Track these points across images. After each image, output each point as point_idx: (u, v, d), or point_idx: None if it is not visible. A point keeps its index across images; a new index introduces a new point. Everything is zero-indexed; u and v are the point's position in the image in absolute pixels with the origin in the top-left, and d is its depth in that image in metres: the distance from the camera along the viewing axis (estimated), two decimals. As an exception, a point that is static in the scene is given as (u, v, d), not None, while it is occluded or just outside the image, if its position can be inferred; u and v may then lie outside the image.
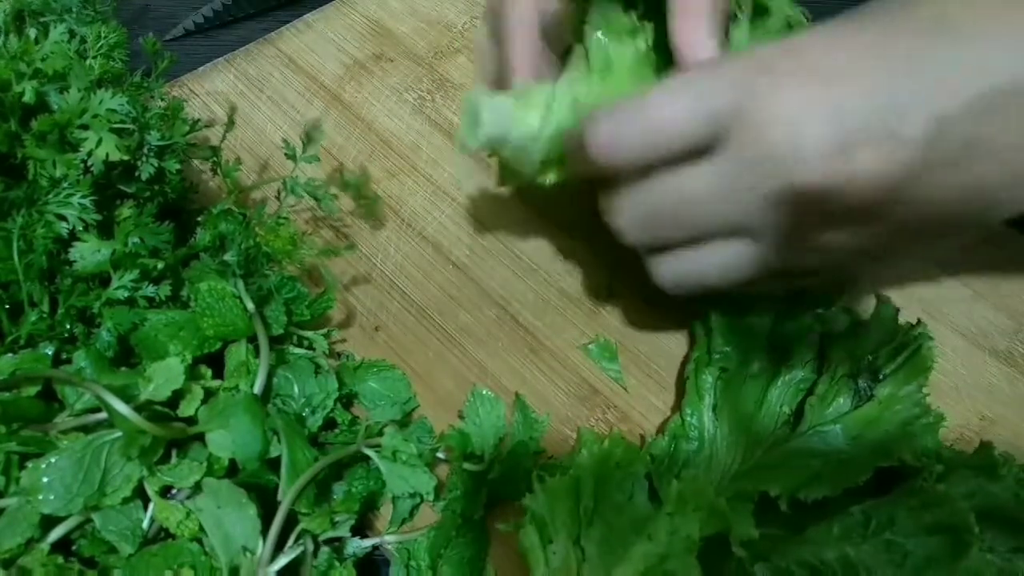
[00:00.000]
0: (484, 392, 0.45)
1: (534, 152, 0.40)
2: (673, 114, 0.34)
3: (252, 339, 0.41)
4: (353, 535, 0.39)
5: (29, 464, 0.34)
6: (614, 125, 0.35)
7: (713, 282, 0.39)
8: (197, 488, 0.36)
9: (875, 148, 0.31)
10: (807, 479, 0.37)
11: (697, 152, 0.35)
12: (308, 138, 0.42)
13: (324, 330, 0.45)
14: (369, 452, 0.40)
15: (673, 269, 0.39)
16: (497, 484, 0.41)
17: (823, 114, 0.32)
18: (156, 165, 0.41)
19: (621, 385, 0.46)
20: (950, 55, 0.32)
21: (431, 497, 0.40)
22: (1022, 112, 0.31)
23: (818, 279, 0.42)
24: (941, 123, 0.31)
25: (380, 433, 0.41)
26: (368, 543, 0.39)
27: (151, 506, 0.35)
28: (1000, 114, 0.31)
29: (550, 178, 0.42)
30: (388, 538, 0.40)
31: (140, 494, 0.35)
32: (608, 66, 0.39)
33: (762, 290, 0.43)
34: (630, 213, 0.38)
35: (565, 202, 0.51)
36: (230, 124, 0.46)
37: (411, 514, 0.41)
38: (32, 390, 0.37)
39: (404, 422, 0.44)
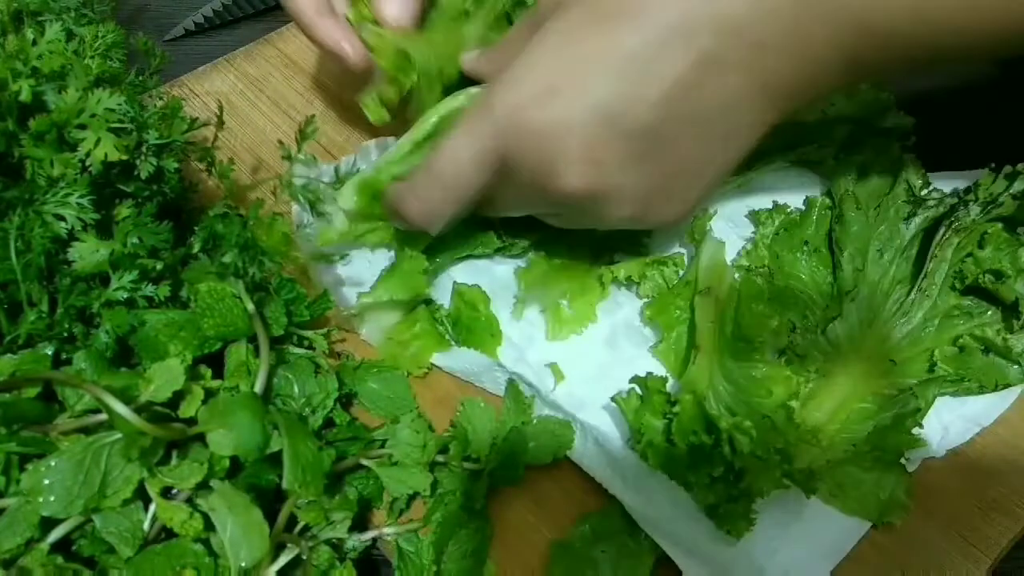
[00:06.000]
0: (473, 401, 0.44)
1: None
2: (458, 169, 0.39)
3: (252, 339, 0.41)
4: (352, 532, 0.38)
5: (29, 465, 0.34)
6: (416, 201, 0.41)
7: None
8: (197, 489, 0.36)
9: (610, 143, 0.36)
10: None
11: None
12: (303, 136, 0.42)
13: (324, 330, 0.45)
14: (368, 463, 0.40)
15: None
16: (495, 472, 0.41)
17: (570, 128, 0.36)
18: (155, 164, 0.41)
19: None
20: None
21: (428, 494, 0.40)
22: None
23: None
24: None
25: (381, 442, 0.42)
26: (367, 536, 0.39)
27: (152, 507, 0.35)
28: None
29: None
30: (387, 530, 0.40)
31: (140, 495, 0.35)
32: None
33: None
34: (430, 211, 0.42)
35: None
36: (220, 123, 0.46)
37: (408, 504, 0.41)
38: (32, 391, 0.37)
39: (404, 422, 0.44)
